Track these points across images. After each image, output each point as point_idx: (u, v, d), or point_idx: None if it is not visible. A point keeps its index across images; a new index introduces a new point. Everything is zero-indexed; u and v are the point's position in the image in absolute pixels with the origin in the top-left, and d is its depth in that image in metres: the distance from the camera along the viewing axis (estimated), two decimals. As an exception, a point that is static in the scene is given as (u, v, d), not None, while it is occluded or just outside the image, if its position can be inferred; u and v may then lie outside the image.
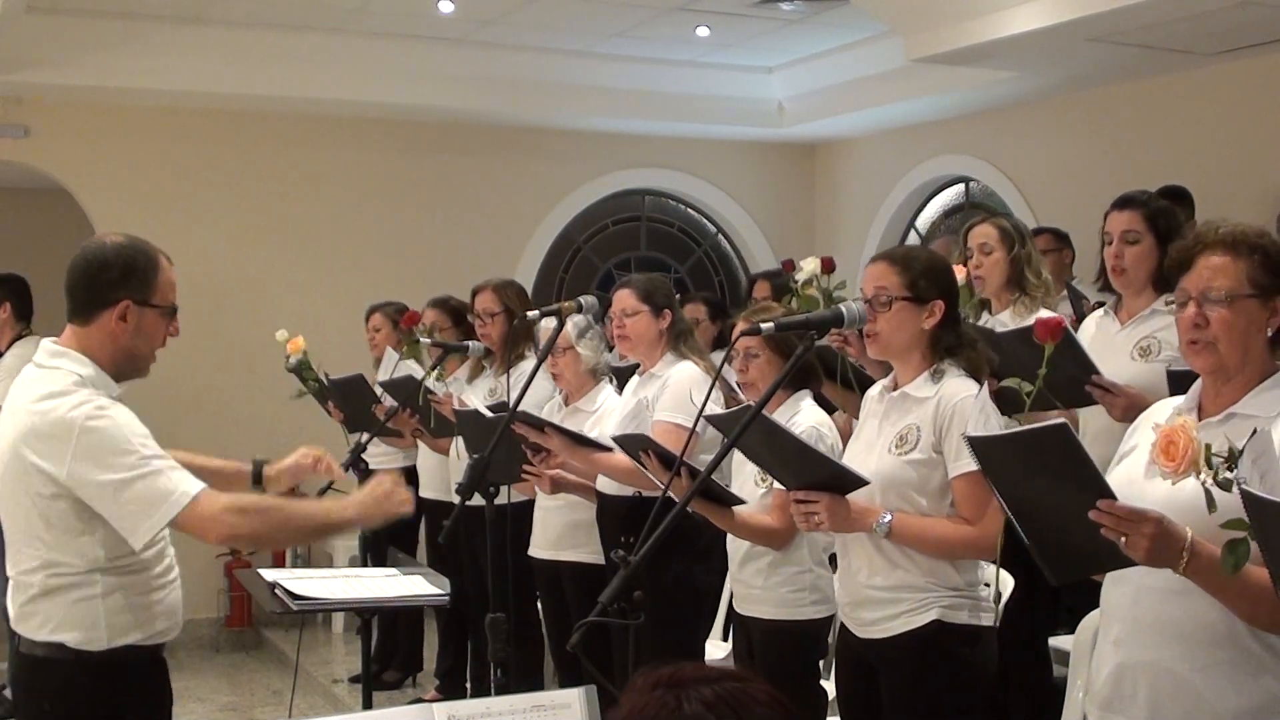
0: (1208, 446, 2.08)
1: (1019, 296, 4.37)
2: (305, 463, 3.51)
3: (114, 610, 2.90)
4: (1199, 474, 2.07)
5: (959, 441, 3.04)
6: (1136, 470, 2.47)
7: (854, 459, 3.23)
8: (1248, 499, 1.96)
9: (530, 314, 4.64)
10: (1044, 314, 4.25)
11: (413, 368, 6.39)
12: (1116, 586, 2.47)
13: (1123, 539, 2.15)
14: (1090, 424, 3.83)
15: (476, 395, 5.40)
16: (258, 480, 3.51)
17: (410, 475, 6.35)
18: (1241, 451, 2.03)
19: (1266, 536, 1.97)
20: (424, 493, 6.22)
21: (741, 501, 3.59)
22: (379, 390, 6.07)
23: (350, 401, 6.04)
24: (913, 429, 3.13)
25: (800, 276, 4.32)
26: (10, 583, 2.97)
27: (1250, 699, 2.30)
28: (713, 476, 3.00)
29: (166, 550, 3.05)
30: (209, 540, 2.92)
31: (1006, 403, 3.22)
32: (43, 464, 2.82)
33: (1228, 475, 2.03)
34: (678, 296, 4.65)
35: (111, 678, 2.92)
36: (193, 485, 2.87)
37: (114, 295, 2.92)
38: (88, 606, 2.88)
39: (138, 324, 2.94)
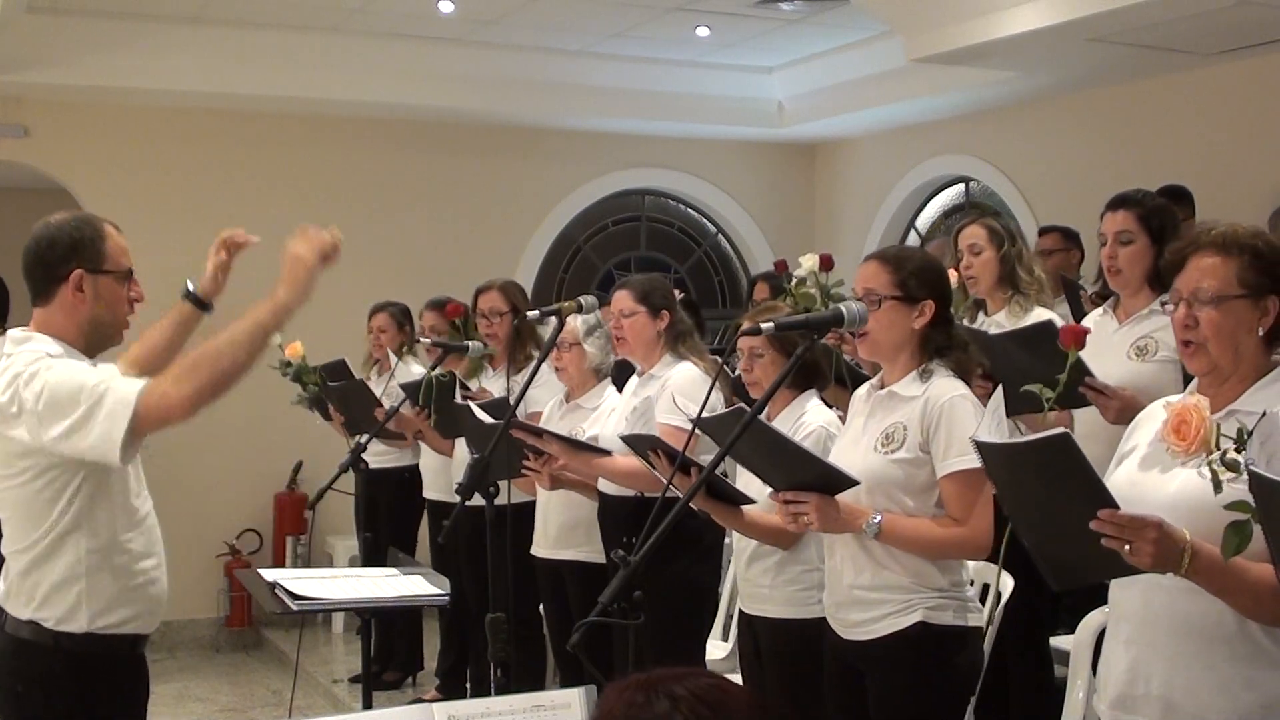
0: (1218, 426, 2.09)
1: (1013, 295, 4.38)
2: (223, 258, 3.50)
3: (95, 590, 2.93)
4: (1209, 454, 2.07)
5: (947, 441, 3.04)
6: (1139, 471, 2.48)
7: (839, 456, 3.22)
8: (1255, 480, 1.97)
9: (531, 314, 4.64)
10: (1040, 312, 4.27)
11: (411, 367, 6.40)
12: (1125, 586, 2.47)
13: (1126, 547, 2.16)
14: (1080, 424, 3.83)
15: (494, 392, 5.40)
16: (200, 305, 3.48)
17: (413, 475, 6.37)
18: (1250, 434, 2.04)
19: (1272, 519, 1.98)
20: (427, 493, 6.23)
21: (750, 501, 3.58)
22: (377, 390, 6.08)
23: (349, 405, 6.04)
24: (899, 427, 3.12)
25: (799, 273, 4.32)
26: (5, 562, 3.03)
27: (1262, 694, 2.31)
28: (719, 475, 2.99)
29: (152, 529, 3.08)
30: (178, 418, 2.86)
31: (1008, 404, 3.22)
32: (16, 434, 2.87)
33: (1236, 457, 2.04)
34: (680, 295, 4.64)
35: (88, 667, 2.95)
36: (132, 386, 2.85)
37: (65, 268, 2.96)
38: (69, 585, 2.92)
39: (95, 291, 2.98)
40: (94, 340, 3.02)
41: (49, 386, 2.84)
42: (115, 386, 2.86)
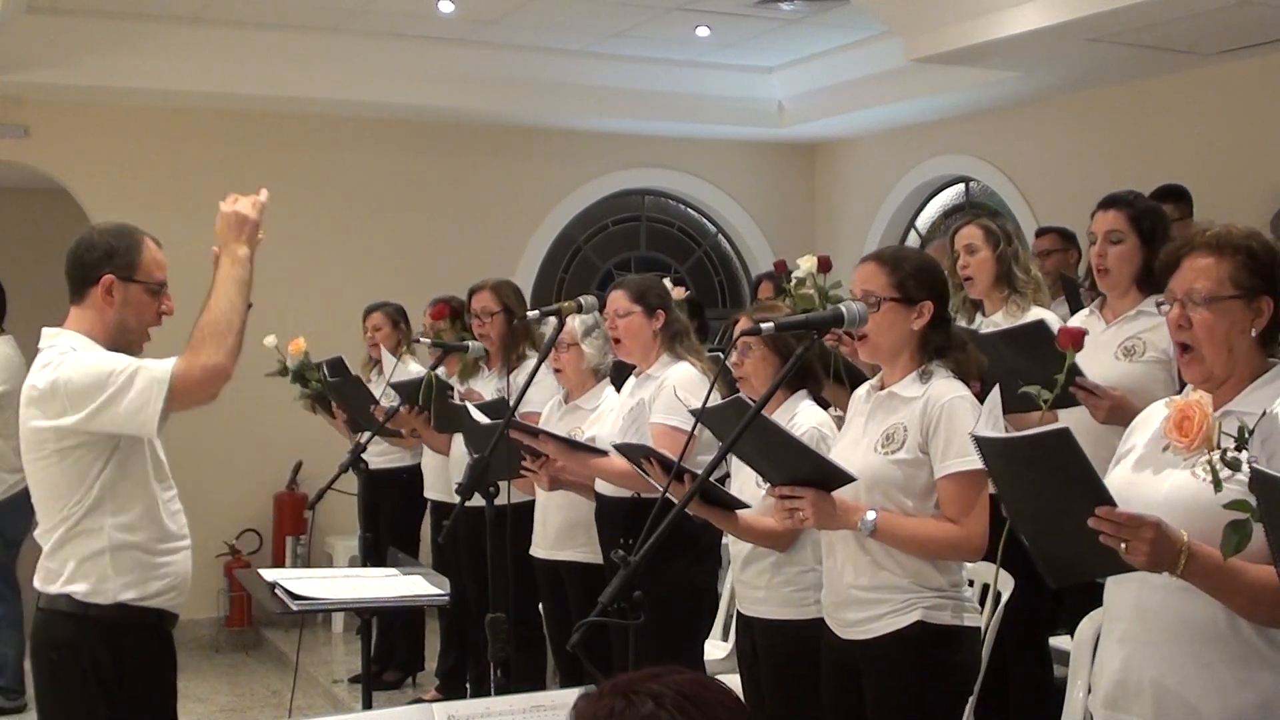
0: (1219, 424, 2.10)
1: (1010, 295, 4.37)
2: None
3: (120, 564, 3.12)
4: (1210, 451, 2.07)
5: (946, 441, 3.04)
6: (1136, 471, 2.49)
7: (840, 457, 3.22)
8: (1257, 477, 1.98)
9: (530, 314, 4.64)
10: (1037, 311, 4.27)
11: (409, 365, 6.40)
12: (1119, 585, 2.48)
13: (1123, 545, 2.16)
14: (1068, 424, 3.83)
15: (484, 394, 5.40)
16: None
17: (412, 475, 6.38)
18: (1252, 432, 2.04)
19: (1273, 516, 1.98)
20: (429, 493, 6.23)
21: (745, 505, 3.58)
22: (377, 391, 6.08)
23: (350, 401, 6.04)
24: (899, 428, 3.12)
25: (797, 275, 4.32)
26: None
27: (1255, 694, 2.32)
28: (714, 481, 2.98)
29: (175, 516, 3.25)
30: (220, 383, 3.10)
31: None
32: (50, 422, 3.07)
33: (1237, 455, 2.04)
34: (686, 294, 4.64)
35: (117, 636, 3.14)
36: (166, 364, 3.07)
37: (98, 272, 3.17)
38: (96, 560, 3.11)
39: (124, 298, 3.19)
40: (119, 343, 3.21)
41: (77, 370, 3.06)
42: (146, 366, 3.07)
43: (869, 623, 3.14)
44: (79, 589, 3.11)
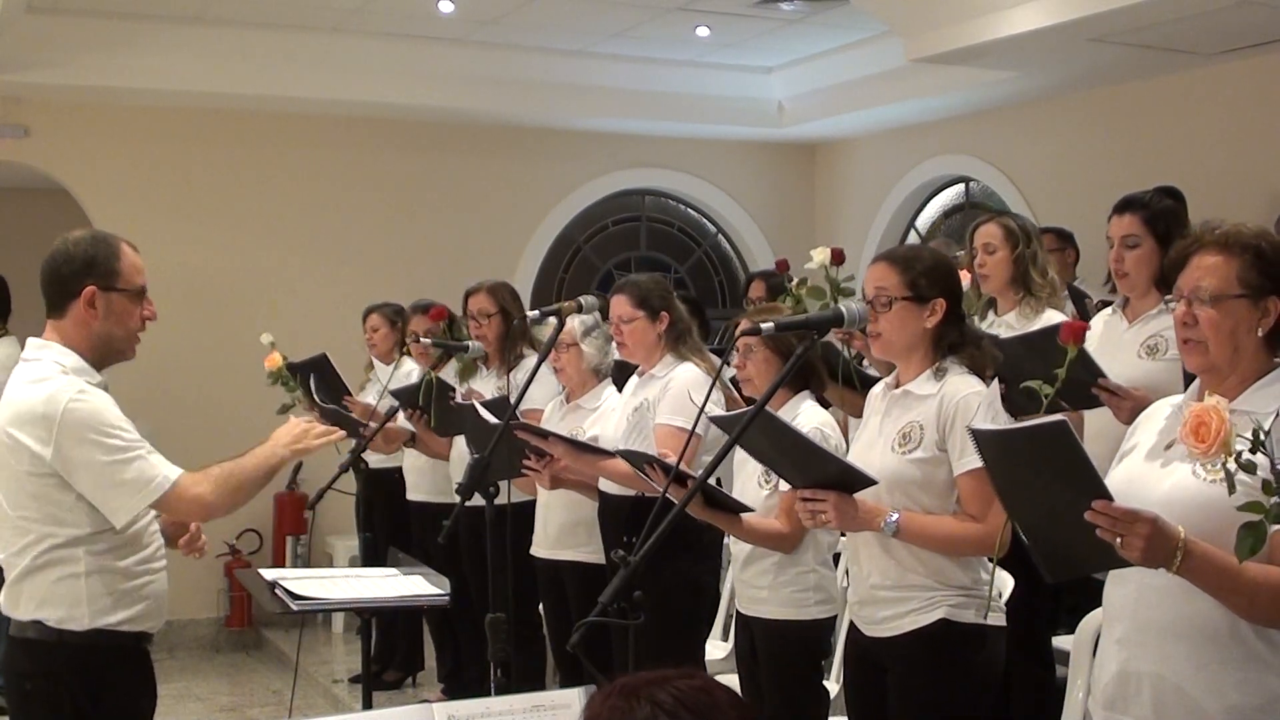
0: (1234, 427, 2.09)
1: (1024, 297, 4.35)
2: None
3: (95, 589, 2.99)
4: (1227, 455, 2.07)
5: (963, 438, 3.04)
6: (1138, 468, 2.49)
7: (856, 457, 3.23)
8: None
9: (531, 314, 4.64)
10: (1051, 315, 4.25)
11: (405, 366, 6.39)
12: (1119, 586, 2.48)
13: (1118, 540, 2.16)
14: (1090, 425, 3.83)
15: (485, 394, 5.40)
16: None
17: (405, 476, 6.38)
18: (1268, 433, 2.04)
19: None
20: (411, 495, 6.21)
21: (747, 509, 3.58)
22: (374, 393, 6.07)
23: (339, 420, 6.01)
24: (915, 427, 3.13)
25: (810, 266, 4.30)
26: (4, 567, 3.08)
27: (1254, 696, 2.31)
28: (713, 479, 2.98)
29: (151, 536, 3.13)
30: (199, 520, 3.15)
31: (1016, 404, 3.21)
32: (30, 444, 2.94)
33: (1252, 458, 2.04)
34: (677, 294, 4.64)
35: (93, 662, 3.01)
36: (172, 471, 3.02)
37: (79, 284, 3.06)
38: (70, 584, 2.98)
39: (107, 308, 3.07)
40: (104, 354, 3.11)
41: (84, 412, 2.94)
42: (154, 461, 3.00)
43: (893, 620, 3.15)
44: (51, 615, 2.97)
